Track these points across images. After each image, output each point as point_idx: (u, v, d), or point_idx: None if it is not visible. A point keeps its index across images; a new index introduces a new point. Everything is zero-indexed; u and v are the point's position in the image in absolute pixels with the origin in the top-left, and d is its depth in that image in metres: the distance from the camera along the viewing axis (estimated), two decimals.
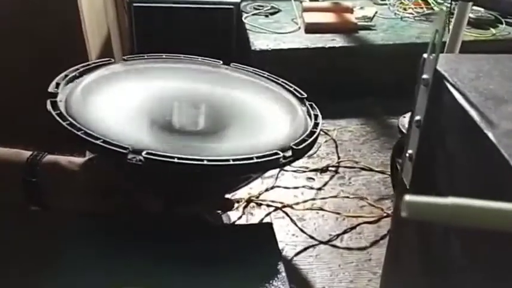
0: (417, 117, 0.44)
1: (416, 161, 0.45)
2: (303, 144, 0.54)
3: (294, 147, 0.53)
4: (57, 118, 0.50)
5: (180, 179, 0.51)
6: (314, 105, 0.65)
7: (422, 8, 1.15)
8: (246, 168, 0.49)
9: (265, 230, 0.56)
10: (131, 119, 0.55)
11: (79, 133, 0.48)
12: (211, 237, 0.55)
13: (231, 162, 0.48)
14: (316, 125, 0.59)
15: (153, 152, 0.47)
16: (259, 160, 0.49)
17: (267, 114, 0.61)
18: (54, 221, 0.66)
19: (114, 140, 0.48)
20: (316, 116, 0.62)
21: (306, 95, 0.66)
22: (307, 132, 0.57)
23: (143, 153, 0.47)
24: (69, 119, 0.51)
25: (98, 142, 0.47)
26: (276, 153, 0.51)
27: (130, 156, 0.47)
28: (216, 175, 0.50)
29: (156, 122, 0.56)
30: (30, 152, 0.61)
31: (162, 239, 0.55)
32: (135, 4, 1.12)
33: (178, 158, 0.47)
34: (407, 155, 0.47)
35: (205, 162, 0.47)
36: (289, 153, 0.53)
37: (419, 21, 1.11)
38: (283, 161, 0.51)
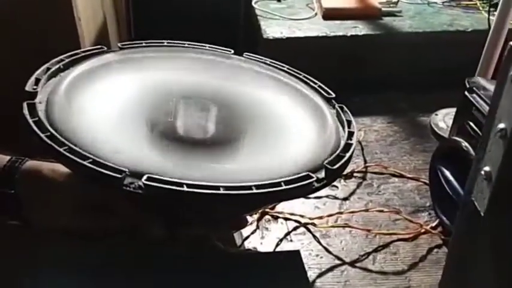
0: (501, 125, 0.34)
1: (497, 182, 0.35)
2: (339, 163, 0.44)
3: (328, 166, 0.42)
4: (34, 127, 0.40)
5: (190, 208, 0.41)
6: (344, 107, 0.54)
7: None
8: (272, 197, 0.39)
9: (293, 259, 0.46)
10: (128, 126, 0.45)
11: (61, 150, 0.38)
12: (226, 267, 0.45)
13: (254, 191, 0.37)
14: (350, 134, 0.49)
15: (156, 177, 0.37)
16: (287, 187, 0.39)
17: (291, 120, 0.51)
18: (36, 240, 0.56)
19: (107, 159, 0.38)
20: (349, 123, 0.51)
21: (334, 95, 0.56)
22: (342, 145, 0.47)
23: (143, 179, 0.36)
24: (50, 128, 0.40)
25: (85, 163, 0.37)
26: (308, 177, 0.41)
27: (127, 181, 0.37)
28: (235, 206, 0.39)
29: (158, 129, 0.46)
30: (8, 158, 0.51)
31: (164, 269, 0.45)
32: None
33: (188, 186, 0.36)
34: (482, 172, 0.36)
35: (221, 191, 0.36)
36: (322, 173, 0.42)
37: (449, 7, 1.00)
38: (317, 185, 0.41)
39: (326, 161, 0.43)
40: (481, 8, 0.99)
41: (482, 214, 0.36)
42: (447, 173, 0.63)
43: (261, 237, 0.62)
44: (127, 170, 0.37)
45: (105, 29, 1.26)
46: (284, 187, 0.39)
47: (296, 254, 0.48)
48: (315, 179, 0.41)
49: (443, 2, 1.01)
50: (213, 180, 0.38)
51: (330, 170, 0.43)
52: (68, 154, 0.38)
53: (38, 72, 0.48)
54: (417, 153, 0.77)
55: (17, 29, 0.92)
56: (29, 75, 0.48)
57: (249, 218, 0.61)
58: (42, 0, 0.90)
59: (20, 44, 0.95)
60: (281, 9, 0.97)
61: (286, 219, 0.64)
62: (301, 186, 0.40)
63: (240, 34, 1.06)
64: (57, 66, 0.50)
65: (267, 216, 0.64)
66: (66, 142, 0.39)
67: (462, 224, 0.41)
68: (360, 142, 0.78)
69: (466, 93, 0.59)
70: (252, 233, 0.62)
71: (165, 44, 0.60)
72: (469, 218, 0.39)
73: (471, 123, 0.58)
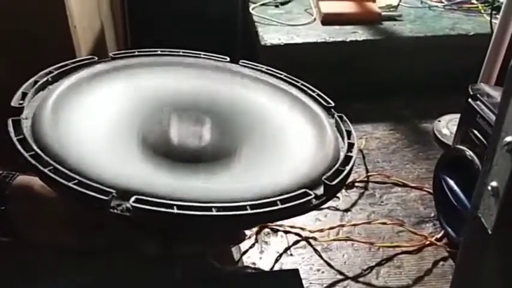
0: (508, 138, 0.32)
1: (505, 199, 0.33)
2: (339, 178, 0.41)
3: (327, 182, 0.40)
4: (18, 146, 0.38)
5: (182, 228, 0.39)
6: (344, 117, 0.52)
7: None
8: (268, 217, 0.37)
9: (291, 278, 0.44)
10: (117, 142, 0.43)
11: (46, 170, 0.36)
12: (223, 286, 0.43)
13: (249, 211, 0.35)
14: (350, 146, 0.46)
15: (144, 198, 0.35)
16: (284, 206, 0.37)
17: (288, 131, 0.49)
18: (27, 257, 0.54)
19: (93, 179, 0.36)
20: (349, 134, 0.49)
21: (333, 104, 0.54)
22: (341, 158, 0.44)
23: (131, 200, 0.35)
24: (34, 147, 0.38)
25: (70, 184, 0.35)
26: (305, 194, 0.39)
27: (114, 203, 0.35)
28: (228, 227, 0.37)
29: (149, 145, 0.44)
30: None
31: None
32: None
33: (179, 207, 0.34)
34: (489, 188, 0.34)
35: (214, 212, 0.35)
36: (320, 189, 0.40)
37: (450, 10, 0.98)
38: (315, 202, 0.39)
39: (324, 176, 0.41)
40: (482, 11, 0.97)
41: (489, 232, 0.34)
42: (451, 183, 0.60)
43: (260, 251, 0.59)
44: (114, 191, 0.35)
45: (103, 38, 1.24)
46: (280, 206, 0.37)
47: (295, 272, 0.46)
48: (313, 196, 0.39)
49: (444, 6, 0.99)
50: (206, 199, 0.36)
51: (329, 186, 0.40)
52: (52, 175, 0.36)
53: (25, 85, 0.47)
54: (420, 161, 0.75)
55: (11, 39, 0.91)
56: (16, 86, 0.47)
57: (248, 232, 0.59)
58: (36, 9, 0.89)
59: (15, 53, 0.93)
60: (279, 14, 0.96)
61: (286, 232, 0.62)
62: (298, 205, 0.38)
63: (237, 41, 1.04)
64: (45, 78, 0.48)
65: (266, 229, 0.62)
66: (51, 162, 0.37)
67: (469, 240, 0.39)
68: (361, 150, 0.76)
69: (469, 100, 0.57)
70: (251, 247, 0.60)
71: (159, 52, 0.58)
72: (475, 234, 0.37)
73: (475, 131, 0.56)
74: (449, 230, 0.60)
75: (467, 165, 0.56)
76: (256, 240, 0.61)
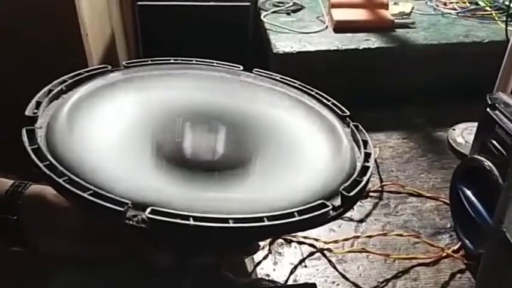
0: None
1: None
2: (356, 189, 0.40)
3: (345, 193, 0.40)
4: (33, 156, 0.37)
5: (198, 240, 0.38)
6: (360, 126, 0.51)
7: (465, 2, 1.01)
8: (284, 228, 0.36)
9: None
10: (132, 152, 0.42)
11: (60, 180, 0.35)
12: None
13: (266, 223, 0.35)
14: (367, 156, 0.45)
15: (160, 209, 0.34)
16: (301, 217, 0.36)
17: (304, 141, 0.48)
18: (39, 267, 0.54)
19: (109, 190, 0.35)
20: (365, 143, 0.48)
21: (348, 113, 0.53)
22: (358, 168, 0.44)
23: (147, 212, 0.34)
24: (49, 157, 0.38)
25: (85, 195, 0.34)
26: (323, 205, 0.38)
27: (129, 214, 0.34)
28: (244, 238, 0.37)
29: (163, 155, 0.43)
30: (11, 182, 0.50)
31: None
32: (139, 3, 0.99)
33: (195, 218, 0.33)
34: None
35: (231, 224, 0.34)
36: (337, 201, 0.39)
37: (463, 17, 0.97)
38: (333, 214, 0.38)
39: (342, 187, 0.41)
40: (496, 18, 0.96)
41: None
42: (469, 193, 0.59)
43: (274, 262, 0.59)
44: (129, 202, 0.34)
45: (114, 44, 1.25)
46: (298, 218, 0.36)
47: (312, 287, 0.45)
48: (330, 207, 0.38)
49: (457, 13, 0.98)
50: (222, 211, 0.35)
51: (347, 197, 0.40)
52: (67, 185, 0.35)
53: (39, 94, 0.46)
54: (435, 170, 0.74)
55: (24, 46, 0.91)
56: (37, 93, 0.46)
57: (261, 242, 0.59)
58: (48, 17, 0.89)
59: (28, 61, 0.93)
60: (291, 22, 0.95)
61: (299, 242, 0.61)
62: (316, 216, 0.37)
63: (249, 49, 1.04)
64: (59, 87, 0.48)
65: (280, 240, 0.61)
66: (66, 172, 0.36)
67: (491, 255, 0.38)
68: (375, 159, 0.75)
69: (488, 109, 0.56)
70: (264, 258, 0.59)
71: (172, 61, 0.58)
72: (499, 249, 0.36)
73: (494, 142, 0.55)
74: (467, 241, 0.59)
75: (486, 176, 0.55)
76: (270, 251, 0.60)
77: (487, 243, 0.39)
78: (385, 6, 0.94)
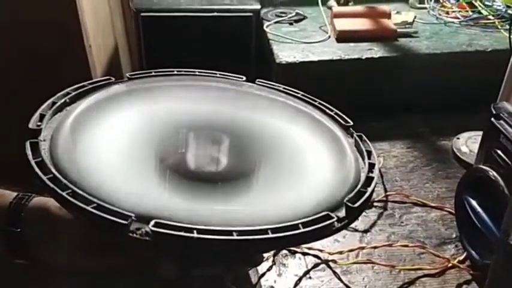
0: None
1: None
2: (361, 200, 0.40)
3: (349, 204, 0.39)
4: (36, 169, 0.37)
5: (202, 253, 0.38)
6: (363, 136, 0.51)
7: (467, 11, 1.01)
8: (289, 240, 0.36)
9: None
10: (135, 164, 0.42)
11: (64, 194, 0.35)
12: None
13: (270, 235, 0.34)
14: (371, 166, 0.45)
15: (164, 222, 0.34)
16: (306, 229, 0.36)
17: (307, 151, 0.48)
18: (43, 279, 0.54)
19: (112, 202, 0.35)
20: (369, 153, 0.47)
21: (352, 123, 0.53)
22: (362, 179, 0.43)
23: (151, 224, 0.34)
24: (53, 170, 0.38)
25: (89, 208, 0.34)
26: (328, 217, 0.38)
27: (133, 227, 0.34)
28: (249, 251, 0.36)
29: (167, 166, 0.43)
30: (15, 194, 0.50)
31: None
32: (142, 14, 1.00)
33: (199, 231, 0.33)
34: None
35: (235, 237, 0.34)
36: (342, 212, 0.39)
37: (466, 26, 0.97)
38: (337, 225, 0.38)
39: (346, 198, 0.40)
40: (499, 27, 0.96)
41: None
42: (474, 203, 0.59)
43: (278, 274, 0.58)
44: (133, 215, 0.34)
45: (117, 55, 1.25)
46: (302, 230, 0.36)
47: None
48: (335, 219, 0.38)
49: (460, 22, 0.98)
50: (226, 223, 0.35)
51: (351, 208, 0.39)
52: (70, 198, 0.35)
53: (42, 107, 0.46)
54: (440, 180, 0.73)
55: (26, 57, 0.92)
56: (41, 105, 0.46)
57: (265, 253, 0.58)
58: (52, 29, 0.90)
59: (31, 73, 0.94)
60: (293, 32, 0.96)
61: (304, 253, 0.61)
62: (320, 228, 0.37)
63: (252, 59, 1.04)
64: (62, 100, 0.48)
65: (284, 251, 0.61)
66: (70, 185, 0.36)
67: (499, 267, 0.38)
68: (379, 169, 0.75)
69: (492, 119, 0.56)
70: (268, 269, 0.59)
71: (175, 72, 0.58)
72: (506, 261, 0.36)
73: (499, 151, 0.55)
74: (473, 252, 0.59)
75: (491, 186, 0.55)
76: (274, 263, 0.60)
77: (494, 256, 0.38)
78: (388, 16, 0.94)
